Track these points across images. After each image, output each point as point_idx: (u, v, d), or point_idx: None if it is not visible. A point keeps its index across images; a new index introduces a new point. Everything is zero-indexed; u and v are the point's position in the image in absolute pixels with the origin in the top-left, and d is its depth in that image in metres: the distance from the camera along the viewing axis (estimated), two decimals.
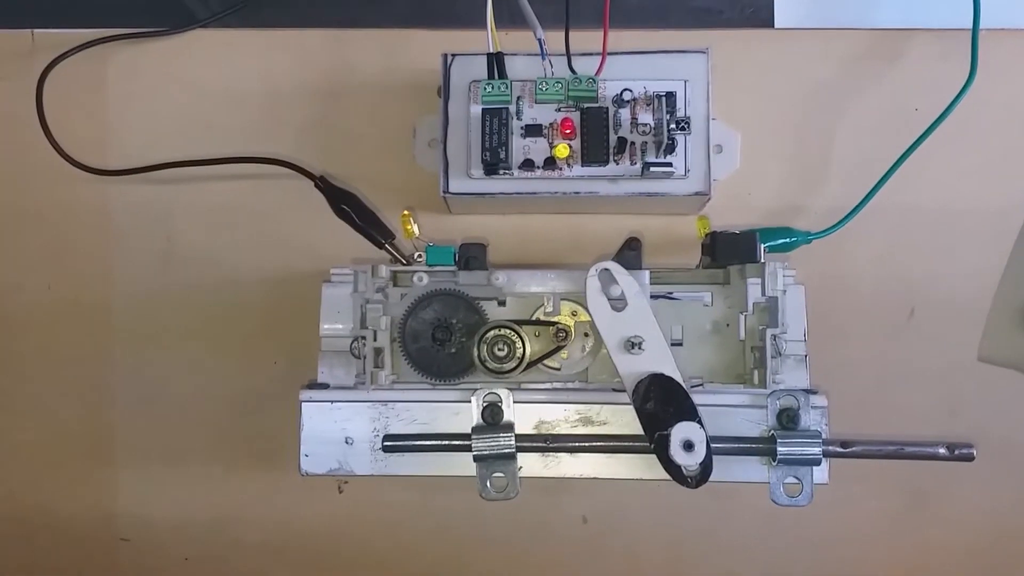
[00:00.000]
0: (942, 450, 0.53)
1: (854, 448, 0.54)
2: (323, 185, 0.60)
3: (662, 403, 0.51)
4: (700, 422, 0.51)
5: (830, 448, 0.53)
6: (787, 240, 0.60)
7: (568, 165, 0.57)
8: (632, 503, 0.64)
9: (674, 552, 0.64)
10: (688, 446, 0.50)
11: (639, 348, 0.52)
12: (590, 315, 0.53)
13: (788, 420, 0.54)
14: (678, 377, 0.52)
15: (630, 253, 0.54)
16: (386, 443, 0.54)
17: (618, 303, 0.53)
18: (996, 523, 0.63)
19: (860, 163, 0.61)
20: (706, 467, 0.51)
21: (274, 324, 0.63)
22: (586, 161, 0.56)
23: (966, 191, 0.64)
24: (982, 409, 0.63)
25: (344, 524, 0.64)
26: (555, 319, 0.55)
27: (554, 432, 0.53)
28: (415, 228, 0.57)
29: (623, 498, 0.63)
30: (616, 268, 0.53)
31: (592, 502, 0.64)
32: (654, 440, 0.50)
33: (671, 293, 0.57)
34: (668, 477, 0.51)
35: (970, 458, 0.53)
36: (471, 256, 0.55)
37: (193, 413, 0.64)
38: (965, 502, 0.64)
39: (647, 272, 0.55)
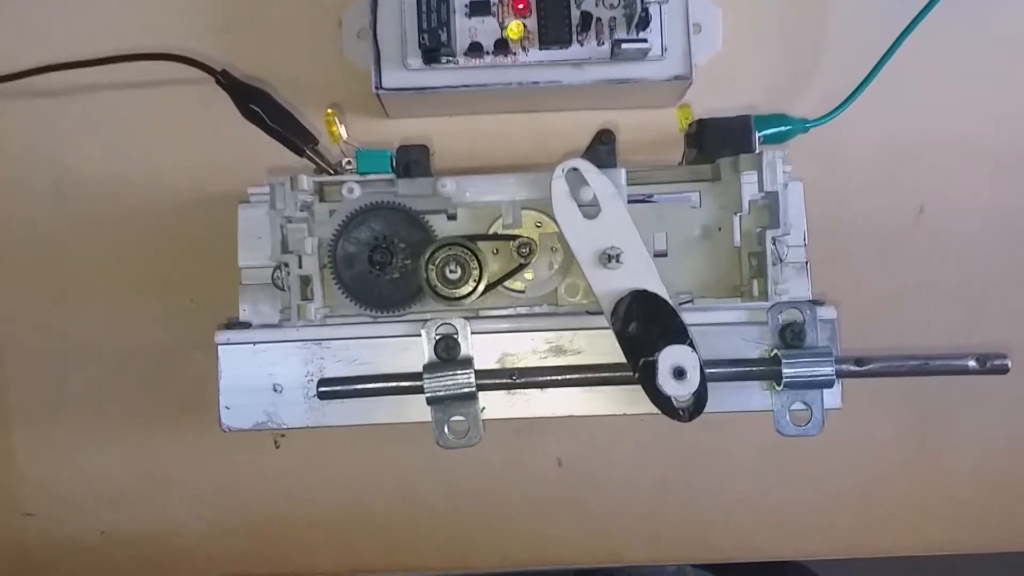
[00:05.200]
0: (972, 363, 0.47)
1: (871, 366, 0.47)
2: (225, 81, 0.50)
3: (646, 324, 0.45)
4: (692, 344, 0.45)
5: (844, 367, 0.47)
6: (782, 128, 0.53)
7: (523, 48, 0.50)
8: (612, 442, 0.58)
9: (660, 495, 0.59)
10: (679, 373, 0.44)
11: (616, 261, 0.45)
12: (557, 225, 0.46)
13: (793, 337, 0.47)
14: (664, 293, 0.46)
15: (602, 148, 0.47)
16: (322, 389, 0.47)
17: (590, 209, 0.46)
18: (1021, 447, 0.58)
19: (857, 41, 0.55)
20: (700, 396, 0.45)
21: (187, 257, 0.57)
22: (544, 42, 0.50)
23: (976, 73, 0.57)
24: (1006, 319, 0.58)
25: (285, 484, 0.59)
26: (516, 232, 0.48)
27: (521, 365, 0.47)
28: (342, 130, 0.49)
29: (602, 437, 0.58)
30: (587, 167, 0.46)
31: (567, 443, 0.58)
32: (639, 368, 0.45)
33: (651, 196, 0.49)
34: (655, 410, 0.45)
35: (1004, 370, 0.47)
36: (412, 160, 0.47)
37: (101, 365, 0.58)
38: (985, 425, 0.58)
39: (623, 171, 0.47)
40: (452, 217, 0.48)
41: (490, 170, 0.49)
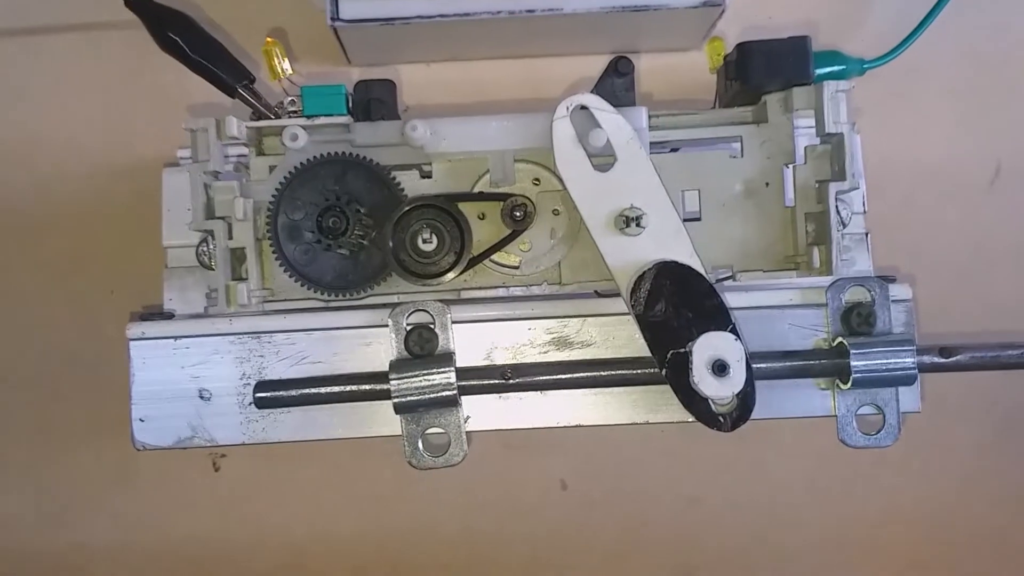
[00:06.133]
0: None
1: (960, 357, 0.39)
2: (135, 2, 0.40)
3: (676, 306, 0.37)
4: (736, 331, 0.36)
5: (926, 359, 0.38)
6: (835, 69, 0.43)
7: None
8: (627, 458, 0.50)
9: (687, 521, 0.51)
10: (719, 368, 0.36)
11: (636, 225, 0.37)
12: (560, 180, 0.37)
13: (860, 322, 0.39)
14: (698, 265, 0.37)
15: (618, 80, 0.37)
16: (260, 395, 0.38)
17: (603, 159, 0.37)
18: None
19: None
20: (746, 398, 0.36)
21: (107, 237, 0.49)
22: None
23: None
24: None
25: (227, 515, 0.51)
26: (508, 191, 0.39)
27: (516, 362, 0.39)
28: (285, 64, 0.39)
29: (615, 452, 0.50)
30: (598, 103, 0.37)
31: (573, 460, 0.51)
32: (667, 362, 0.37)
33: (679, 145, 0.40)
34: (688, 417, 0.37)
35: None
36: (374, 99, 0.38)
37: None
38: None
39: (644, 109, 0.38)
40: (426, 174, 0.40)
41: None
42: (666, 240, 0.36)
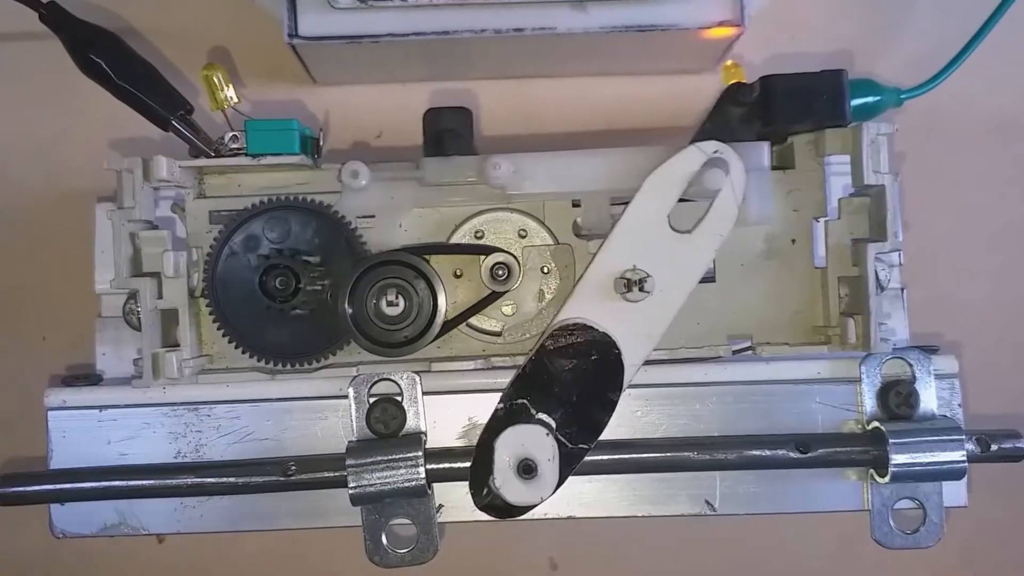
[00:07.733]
0: None
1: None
2: (52, 16, 0.34)
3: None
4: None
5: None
6: (869, 100, 0.38)
7: None
8: (623, 536, 0.45)
9: None
10: (526, 468, 0.31)
11: (640, 290, 0.31)
12: (625, 214, 0.32)
13: (900, 403, 0.34)
14: (640, 355, 0.32)
15: (733, 110, 0.33)
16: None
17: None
18: None
19: None
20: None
21: (37, 279, 0.44)
22: None
23: None
24: None
25: None
26: (489, 243, 0.34)
27: None
28: (228, 92, 0.33)
29: (610, 529, 0.44)
30: (733, 159, 0.31)
31: (563, 536, 0.45)
32: (503, 409, 0.32)
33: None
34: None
35: None
36: (446, 131, 0.34)
37: None
38: None
39: (766, 145, 0.33)
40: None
41: None
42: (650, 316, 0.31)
